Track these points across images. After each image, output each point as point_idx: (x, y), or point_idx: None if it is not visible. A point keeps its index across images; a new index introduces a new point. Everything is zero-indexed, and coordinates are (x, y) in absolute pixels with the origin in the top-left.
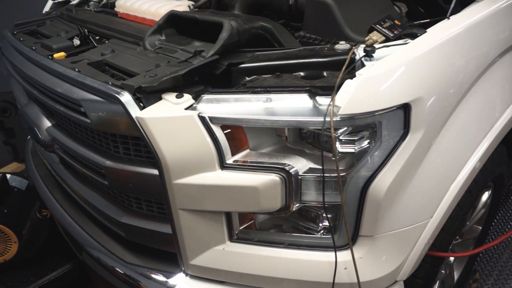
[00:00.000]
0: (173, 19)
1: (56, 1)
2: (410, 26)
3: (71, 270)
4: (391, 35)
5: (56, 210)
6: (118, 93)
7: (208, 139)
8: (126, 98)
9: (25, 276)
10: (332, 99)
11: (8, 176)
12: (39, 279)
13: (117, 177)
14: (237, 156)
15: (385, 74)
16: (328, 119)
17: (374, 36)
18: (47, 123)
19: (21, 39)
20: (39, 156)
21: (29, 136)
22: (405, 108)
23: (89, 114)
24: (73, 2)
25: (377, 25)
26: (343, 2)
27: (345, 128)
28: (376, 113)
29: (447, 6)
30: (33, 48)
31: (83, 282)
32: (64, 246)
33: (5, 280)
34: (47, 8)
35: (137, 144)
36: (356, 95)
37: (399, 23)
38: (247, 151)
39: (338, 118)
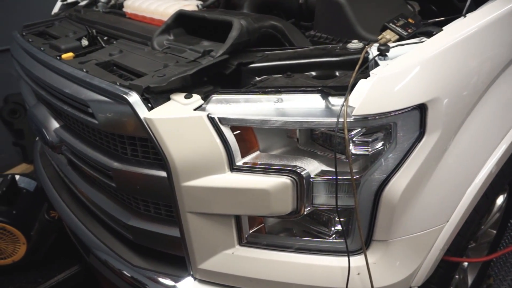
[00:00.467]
0: (181, 19)
1: (64, 2)
2: (424, 25)
3: (79, 272)
4: (405, 33)
5: (63, 211)
6: (126, 93)
7: (218, 140)
8: (134, 98)
9: (33, 278)
10: (346, 99)
11: (17, 177)
12: (47, 280)
13: (124, 179)
14: (247, 158)
15: (401, 74)
16: (341, 120)
17: (388, 34)
18: (55, 124)
19: (30, 40)
20: (47, 158)
21: (37, 138)
22: (421, 109)
23: (96, 115)
24: (82, 3)
25: (391, 24)
26: (355, 1)
27: (359, 129)
28: (391, 114)
29: (461, 4)
30: (42, 48)
31: (90, 284)
32: (71, 248)
33: (14, 281)
34: (55, 9)
35: (145, 146)
36: (371, 95)
37: (413, 22)
38: (257, 152)
39: (351, 119)
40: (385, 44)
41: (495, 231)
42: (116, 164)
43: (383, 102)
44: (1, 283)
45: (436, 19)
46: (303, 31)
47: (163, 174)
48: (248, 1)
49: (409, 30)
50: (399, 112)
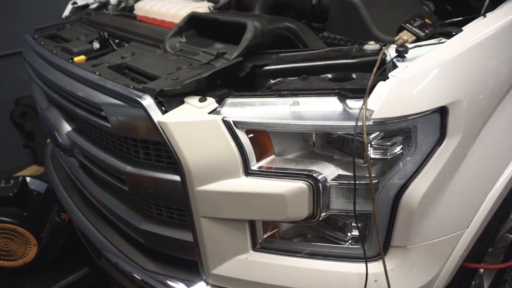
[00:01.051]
0: (194, 21)
1: (75, 6)
2: (441, 25)
3: (89, 274)
4: (422, 34)
5: (74, 214)
6: (140, 96)
7: (233, 144)
8: (147, 102)
9: (43, 279)
10: (365, 102)
11: (28, 179)
12: (57, 282)
13: (137, 183)
14: (262, 162)
15: (421, 76)
16: (360, 123)
17: (404, 35)
18: (67, 127)
19: (42, 43)
20: (59, 160)
21: (48, 140)
22: (442, 112)
23: (109, 118)
24: (92, 6)
25: (407, 24)
26: (370, 1)
27: (377, 133)
28: (411, 117)
29: (477, 4)
30: (54, 51)
31: (100, 286)
32: (82, 250)
33: (24, 283)
34: (66, 12)
35: (158, 149)
36: (390, 98)
37: (430, 22)
38: (272, 156)
39: (370, 123)
40: (403, 45)
41: (511, 236)
42: (129, 168)
43: (403, 105)
44: (11, 285)
45: (454, 19)
46: (316, 32)
47: (177, 178)
48: (259, 2)
49: (426, 31)
50: (420, 115)
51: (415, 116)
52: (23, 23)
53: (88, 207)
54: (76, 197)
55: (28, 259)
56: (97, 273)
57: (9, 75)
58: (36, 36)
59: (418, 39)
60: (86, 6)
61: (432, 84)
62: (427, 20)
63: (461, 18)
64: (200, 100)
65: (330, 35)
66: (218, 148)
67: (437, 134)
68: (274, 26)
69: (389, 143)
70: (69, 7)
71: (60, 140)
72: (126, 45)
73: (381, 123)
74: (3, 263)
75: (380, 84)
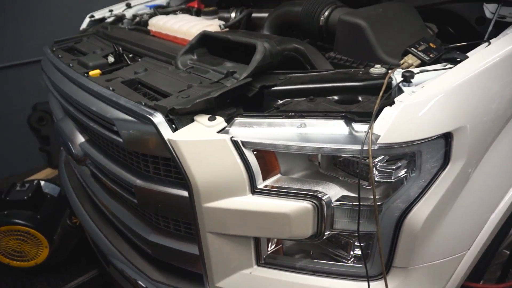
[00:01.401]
0: (205, 39)
1: (92, 19)
2: (445, 49)
3: (98, 276)
4: (427, 58)
5: (85, 221)
6: (151, 114)
7: (240, 163)
8: (158, 119)
9: (54, 280)
10: (371, 127)
11: (42, 183)
12: (67, 283)
13: (146, 197)
14: (268, 181)
15: (427, 102)
16: (366, 147)
17: (410, 59)
18: (80, 139)
19: (60, 56)
20: (71, 167)
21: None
22: (447, 137)
23: (121, 133)
24: (108, 20)
25: (412, 48)
26: (377, 24)
27: (382, 156)
28: (417, 143)
29: (480, 28)
30: (70, 65)
31: None
32: (92, 253)
33: (35, 283)
34: (84, 25)
35: (168, 165)
36: (396, 123)
37: (434, 46)
38: (278, 175)
39: (376, 147)
40: (409, 70)
41: (508, 252)
42: (139, 182)
43: (408, 131)
44: (23, 285)
45: (458, 44)
46: (322, 52)
47: (185, 193)
48: (268, 21)
49: (431, 55)
50: (425, 140)
51: (420, 142)
52: (43, 33)
53: (98, 214)
54: (87, 204)
55: (39, 260)
56: (105, 276)
57: (28, 82)
58: (54, 49)
59: (423, 63)
60: (103, 19)
61: (438, 111)
62: (431, 45)
63: (464, 43)
64: (210, 119)
65: (336, 55)
66: (226, 166)
67: (441, 159)
68: (283, 47)
69: (394, 167)
70: (86, 20)
71: (73, 150)
72: (139, 60)
73: (386, 148)
74: (15, 263)
75: (387, 109)
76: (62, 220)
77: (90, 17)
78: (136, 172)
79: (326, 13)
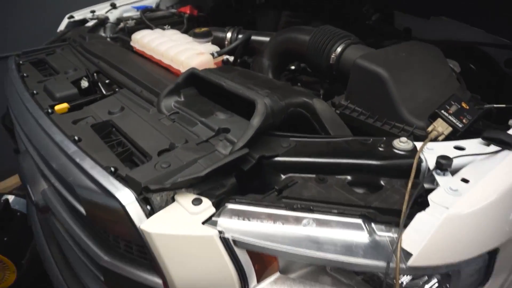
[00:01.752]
0: (193, 78)
1: (72, 20)
2: (479, 109)
3: None
4: (460, 125)
5: (49, 264)
6: (120, 190)
7: (230, 263)
8: (129, 199)
9: None
10: (399, 240)
11: (11, 198)
12: None
13: (115, 278)
14: (264, 283)
15: (479, 212)
16: (392, 265)
17: (439, 126)
18: (43, 184)
19: (25, 74)
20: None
21: None
22: (491, 254)
23: (84, 206)
24: (89, 24)
25: (442, 111)
26: (399, 74)
27: (411, 277)
28: (457, 263)
29: (509, 70)
30: (35, 92)
31: None
32: None
33: None
34: (62, 26)
35: (142, 246)
36: (435, 240)
37: (467, 107)
38: (277, 275)
39: (404, 267)
40: (446, 157)
41: None
42: (106, 259)
43: (449, 250)
44: None
45: (495, 105)
46: (332, 100)
47: (160, 282)
48: (269, 48)
49: (464, 120)
50: (468, 259)
51: (462, 261)
52: (17, 26)
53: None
54: (53, 247)
55: (5, 286)
56: None
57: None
58: (21, 62)
59: (455, 130)
60: (84, 21)
61: (489, 222)
62: (464, 105)
63: (503, 105)
64: (194, 203)
65: (348, 105)
66: (213, 267)
67: (481, 276)
68: (288, 103)
69: (421, 282)
70: (65, 21)
71: (33, 197)
72: (117, 90)
73: (417, 269)
74: None
75: (420, 216)
76: (32, 242)
77: (69, 17)
78: (104, 244)
79: (339, 50)
